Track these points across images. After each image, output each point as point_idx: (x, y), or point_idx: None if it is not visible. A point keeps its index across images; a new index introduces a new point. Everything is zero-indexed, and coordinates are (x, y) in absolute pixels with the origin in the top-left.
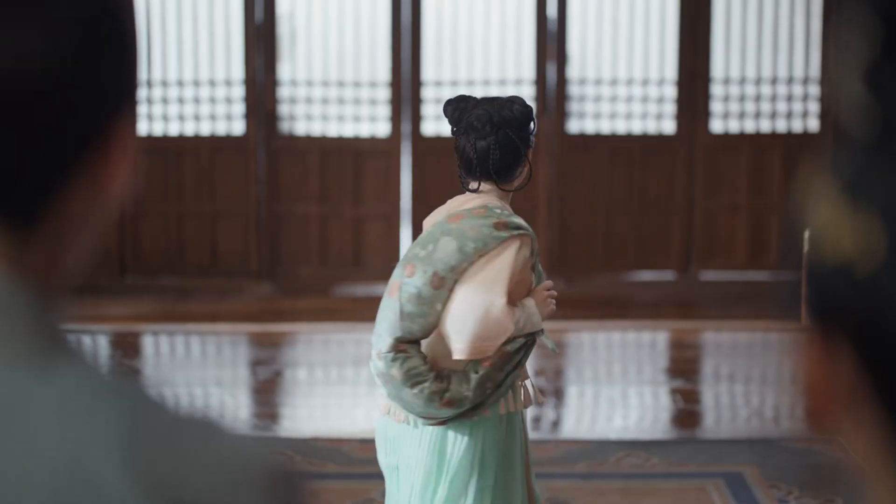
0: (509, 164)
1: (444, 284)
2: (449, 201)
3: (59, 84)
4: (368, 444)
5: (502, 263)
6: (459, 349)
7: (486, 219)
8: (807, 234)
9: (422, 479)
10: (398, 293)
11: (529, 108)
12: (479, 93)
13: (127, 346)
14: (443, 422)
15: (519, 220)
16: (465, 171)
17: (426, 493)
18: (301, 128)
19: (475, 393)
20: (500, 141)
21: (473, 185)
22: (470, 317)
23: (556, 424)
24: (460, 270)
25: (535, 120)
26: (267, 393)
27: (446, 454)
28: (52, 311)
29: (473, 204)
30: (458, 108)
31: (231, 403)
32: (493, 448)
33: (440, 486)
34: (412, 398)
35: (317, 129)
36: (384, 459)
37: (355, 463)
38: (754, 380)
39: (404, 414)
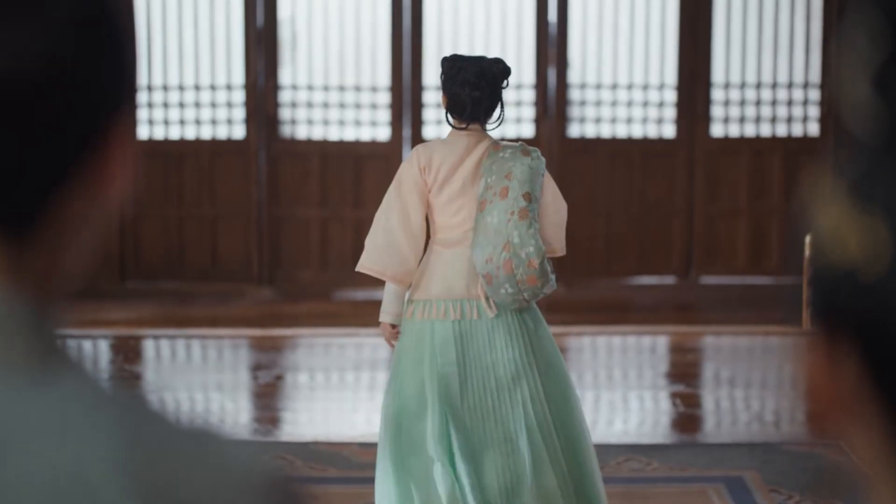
0: (493, 109)
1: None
2: (451, 143)
3: (58, 86)
4: (369, 448)
5: (551, 179)
6: (561, 247)
7: (533, 151)
8: (808, 239)
9: (520, 350)
10: (530, 217)
11: (508, 66)
12: None
13: (128, 351)
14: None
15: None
16: (458, 113)
17: (540, 349)
18: (302, 132)
19: (553, 282)
20: (490, 92)
21: (461, 124)
22: (561, 225)
23: None
24: (542, 189)
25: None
26: (268, 397)
27: (543, 326)
28: (49, 319)
29: (489, 142)
30: (454, 65)
31: (232, 408)
32: None
33: (548, 341)
34: (549, 288)
35: (318, 132)
36: (439, 358)
37: (356, 467)
38: (755, 384)
39: (494, 308)
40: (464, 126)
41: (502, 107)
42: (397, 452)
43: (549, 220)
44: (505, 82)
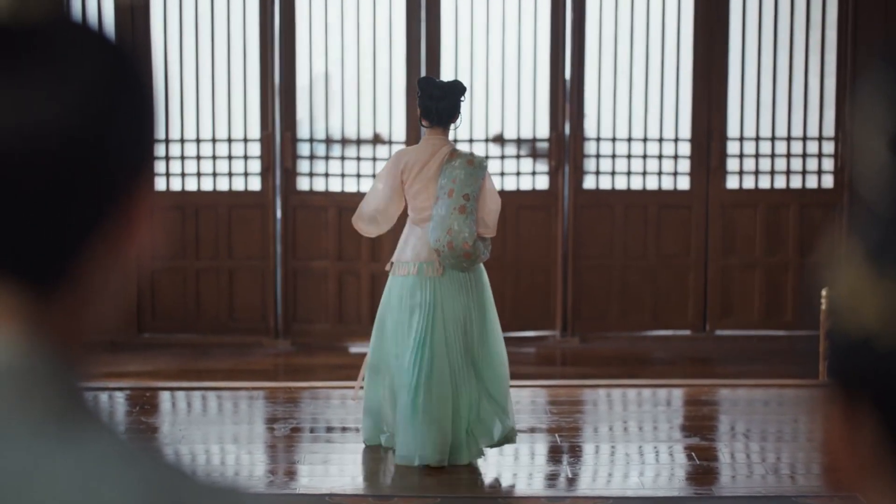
0: (453, 116)
1: (476, 199)
2: (420, 148)
3: (80, 148)
4: (383, 501)
5: (492, 180)
6: (492, 229)
7: (476, 160)
8: (824, 292)
9: (466, 298)
10: (467, 211)
11: (464, 85)
12: (496, 151)
13: (144, 403)
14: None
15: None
16: (428, 119)
17: (481, 301)
18: (319, 184)
19: (486, 253)
20: (451, 103)
21: (431, 127)
22: (496, 212)
23: (572, 481)
24: (480, 189)
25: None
26: (283, 450)
27: (483, 281)
28: (72, 375)
29: (449, 149)
30: (425, 84)
31: (248, 460)
32: None
33: (486, 295)
34: (480, 259)
35: (335, 185)
36: (409, 301)
37: None
38: (770, 436)
39: (443, 269)
40: (432, 127)
41: (460, 114)
42: (375, 364)
43: (487, 208)
44: (462, 97)
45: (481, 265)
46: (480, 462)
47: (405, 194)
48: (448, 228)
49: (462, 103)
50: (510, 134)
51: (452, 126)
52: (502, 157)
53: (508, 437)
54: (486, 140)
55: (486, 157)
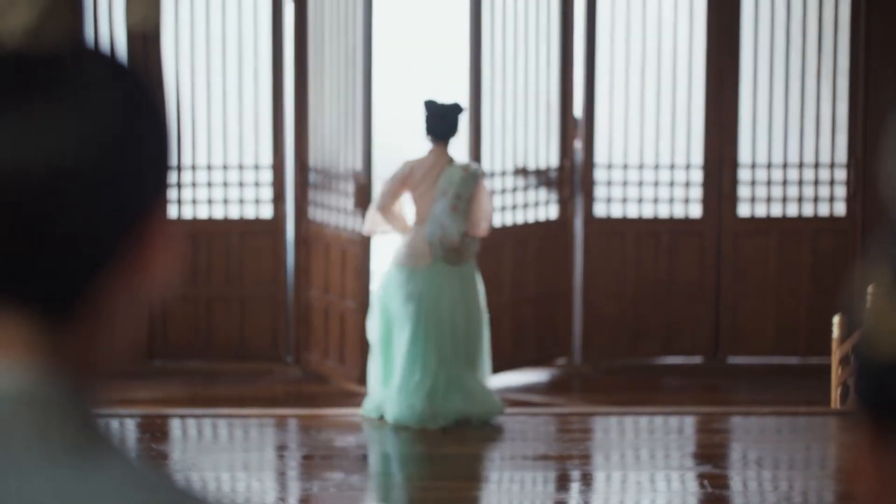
0: (453, 131)
1: (467, 202)
2: (425, 159)
3: (94, 175)
4: None
5: (485, 186)
6: (485, 228)
7: (471, 168)
8: (836, 320)
9: (461, 287)
10: (458, 211)
11: (462, 107)
12: (502, 182)
13: (155, 430)
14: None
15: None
16: (432, 134)
17: (472, 290)
18: (326, 213)
19: (475, 250)
20: (452, 122)
21: (435, 141)
22: (489, 213)
23: None
24: (474, 194)
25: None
26: (294, 477)
27: (474, 280)
28: (88, 403)
29: (448, 159)
30: (432, 105)
31: (258, 487)
32: None
33: (476, 292)
34: (469, 255)
35: (331, 218)
36: (404, 290)
37: None
38: (783, 464)
39: (432, 259)
40: (436, 142)
41: (458, 129)
42: (382, 341)
43: (481, 211)
44: (461, 115)
45: (474, 266)
46: (491, 490)
47: (411, 195)
48: (441, 224)
49: (460, 121)
50: (521, 164)
51: (453, 139)
52: (525, 189)
53: (483, 418)
54: (515, 173)
55: (484, 171)
